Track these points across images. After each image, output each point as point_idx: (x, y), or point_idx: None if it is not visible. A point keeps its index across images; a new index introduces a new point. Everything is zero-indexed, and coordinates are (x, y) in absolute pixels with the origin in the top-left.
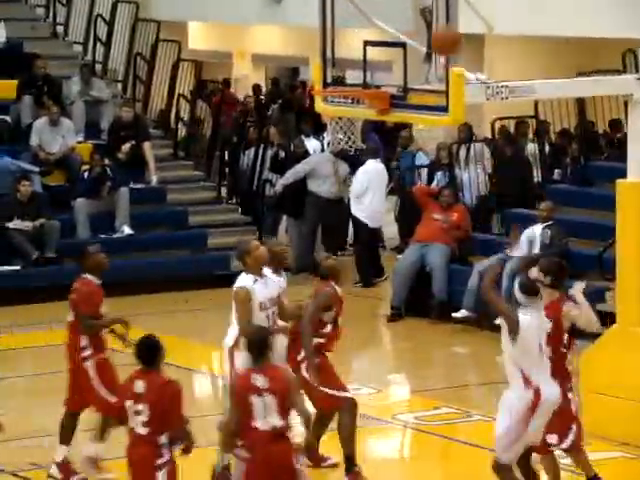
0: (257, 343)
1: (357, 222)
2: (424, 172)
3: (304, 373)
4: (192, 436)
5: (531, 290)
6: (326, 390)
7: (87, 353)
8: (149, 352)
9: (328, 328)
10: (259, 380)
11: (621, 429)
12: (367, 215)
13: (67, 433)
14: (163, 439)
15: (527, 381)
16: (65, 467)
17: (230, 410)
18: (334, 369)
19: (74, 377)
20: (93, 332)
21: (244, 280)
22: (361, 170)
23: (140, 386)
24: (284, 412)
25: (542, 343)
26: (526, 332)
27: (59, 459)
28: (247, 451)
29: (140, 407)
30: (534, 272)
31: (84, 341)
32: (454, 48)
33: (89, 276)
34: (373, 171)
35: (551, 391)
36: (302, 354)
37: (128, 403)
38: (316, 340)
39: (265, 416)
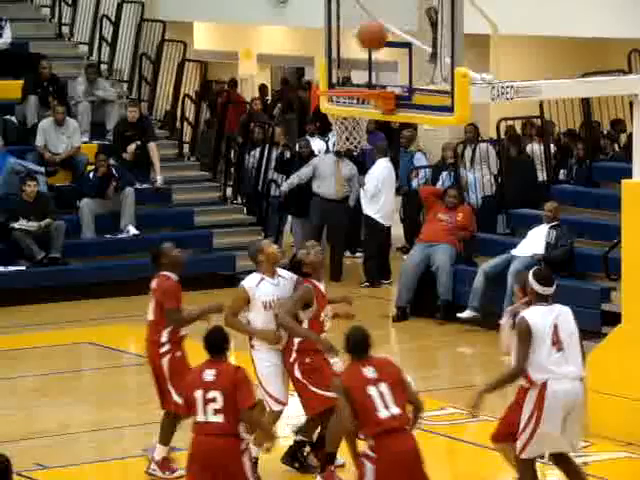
0: (355, 343)
1: (369, 222)
2: (422, 172)
3: (297, 375)
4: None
5: (547, 279)
6: (317, 390)
7: (165, 349)
8: (217, 342)
9: (304, 326)
10: (369, 371)
11: (626, 429)
12: (381, 215)
13: (166, 434)
14: (241, 429)
15: (531, 379)
16: (165, 464)
17: (343, 410)
18: (328, 369)
19: (157, 378)
20: (181, 325)
21: (249, 278)
22: (373, 170)
23: (210, 374)
24: (400, 400)
25: (559, 334)
26: (536, 331)
27: (158, 457)
28: (373, 449)
29: (212, 394)
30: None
31: (164, 337)
32: (381, 41)
33: (167, 273)
34: (385, 170)
35: (559, 387)
36: (294, 356)
37: (197, 393)
38: (297, 340)
39: (386, 406)
